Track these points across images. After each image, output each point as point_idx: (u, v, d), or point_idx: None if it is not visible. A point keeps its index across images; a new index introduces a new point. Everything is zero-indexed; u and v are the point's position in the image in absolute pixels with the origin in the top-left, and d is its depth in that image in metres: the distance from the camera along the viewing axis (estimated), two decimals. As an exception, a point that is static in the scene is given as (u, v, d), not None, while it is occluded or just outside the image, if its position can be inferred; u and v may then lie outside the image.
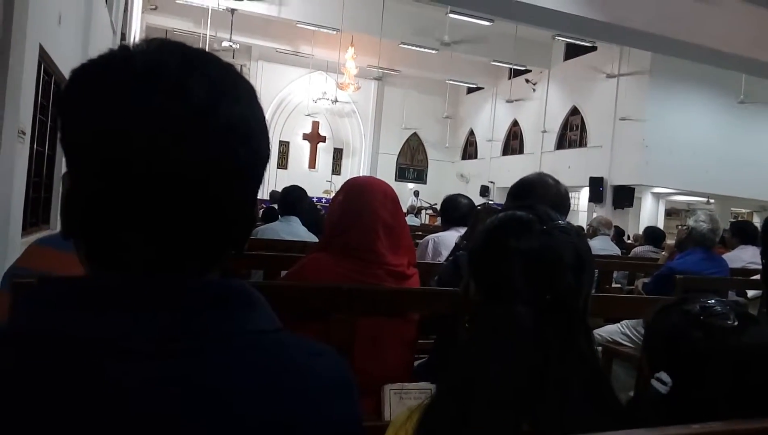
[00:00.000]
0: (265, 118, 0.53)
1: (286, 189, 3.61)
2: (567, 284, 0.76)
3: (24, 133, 3.41)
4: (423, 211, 13.42)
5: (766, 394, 0.91)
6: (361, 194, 1.56)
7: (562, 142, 15.30)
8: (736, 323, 0.94)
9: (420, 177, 19.66)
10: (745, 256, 3.86)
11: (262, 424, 0.46)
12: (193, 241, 0.49)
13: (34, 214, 4.51)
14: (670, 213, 15.45)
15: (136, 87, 0.46)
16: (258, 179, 0.52)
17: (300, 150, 18.39)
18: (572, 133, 15.05)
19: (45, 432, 0.41)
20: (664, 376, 0.94)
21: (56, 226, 5.10)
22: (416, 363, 1.72)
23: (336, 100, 16.55)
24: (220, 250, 0.52)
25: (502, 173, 15.92)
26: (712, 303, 0.99)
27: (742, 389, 0.91)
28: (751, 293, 3.23)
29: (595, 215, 8.51)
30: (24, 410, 0.41)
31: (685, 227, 3.19)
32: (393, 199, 1.60)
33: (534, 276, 0.76)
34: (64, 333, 0.44)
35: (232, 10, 12.23)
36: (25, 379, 0.42)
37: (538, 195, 1.67)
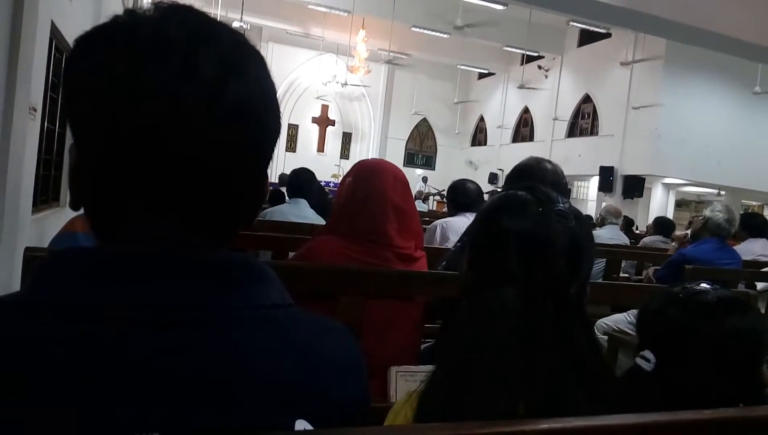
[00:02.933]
0: (275, 92, 0.52)
1: (295, 171, 3.61)
2: (558, 270, 0.74)
3: (35, 110, 3.41)
4: (431, 197, 13.39)
5: (742, 375, 0.93)
6: (371, 176, 1.55)
7: (573, 131, 15.15)
8: (714, 300, 0.96)
9: (429, 163, 19.58)
10: (756, 249, 3.84)
11: (265, 401, 0.46)
12: (200, 217, 0.48)
13: (45, 191, 4.54)
14: (680, 204, 15.32)
15: (142, 60, 0.44)
16: (267, 155, 0.51)
17: (309, 133, 18.34)
18: (584, 121, 14.90)
19: (41, 397, 0.41)
20: (647, 353, 0.95)
21: (66, 204, 5.14)
22: (422, 347, 1.72)
23: (346, 84, 16.46)
24: (229, 225, 0.52)
25: (512, 161, 15.44)
26: (696, 284, 1.01)
27: (719, 368, 0.92)
28: (760, 285, 3.21)
29: (604, 204, 8.46)
30: (27, 375, 0.41)
31: (701, 217, 3.15)
32: (403, 182, 1.59)
33: (525, 258, 0.74)
34: (69, 302, 0.44)
35: (243, -9, 12.15)
36: (29, 345, 0.42)
37: (537, 179, 1.68)
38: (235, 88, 0.47)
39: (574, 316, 0.76)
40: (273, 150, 0.52)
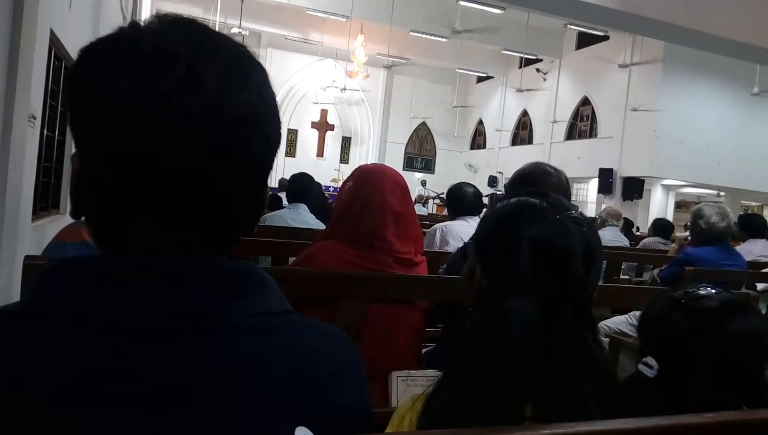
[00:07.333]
0: (276, 102, 0.53)
1: (294, 176, 3.61)
2: (576, 276, 0.75)
3: (34, 118, 3.42)
4: (430, 201, 13.41)
5: (745, 381, 0.91)
6: (371, 181, 1.55)
7: (572, 133, 15.18)
8: (717, 305, 0.94)
9: (428, 166, 19.61)
10: (756, 249, 3.85)
11: (266, 405, 0.46)
12: (201, 226, 0.49)
13: (44, 199, 4.54)
14: (679, 205, 15.34)
15: (146, 71, 0.45)
16: (268, 165, 0.52)
17: (308, 138, 18.37)
18: (582, 123, 14.93)
19: (48, 402, 0.41)
20: (650, 360, 0.94)
21: (66, 211, 5.14)
22: (423, 351, 1.72)
23: (345, 89, 16.50)
24: (229, 234, 0.52)
25: (511, 163, 15.79)
26: (698, 288, 0.99)
27: (723, 375, 0.91)
28: (760, 286, 3.21)
29: (603, 207, 8.46)
30: (36, 383, 0.41)
31: (698, 230, 3.09)
32: (403, 187, 1.59)
33: (543, 265, 0.74)
34: (69, 310, 0.44)
35: (242, -3, 12.21)
36: (38, 353, 0.42)
37: (540, 185, 1.66)
38: (238, 97, 0.47)
39: (585, 321, 0.76)
40: (273, 159, 0.52)
